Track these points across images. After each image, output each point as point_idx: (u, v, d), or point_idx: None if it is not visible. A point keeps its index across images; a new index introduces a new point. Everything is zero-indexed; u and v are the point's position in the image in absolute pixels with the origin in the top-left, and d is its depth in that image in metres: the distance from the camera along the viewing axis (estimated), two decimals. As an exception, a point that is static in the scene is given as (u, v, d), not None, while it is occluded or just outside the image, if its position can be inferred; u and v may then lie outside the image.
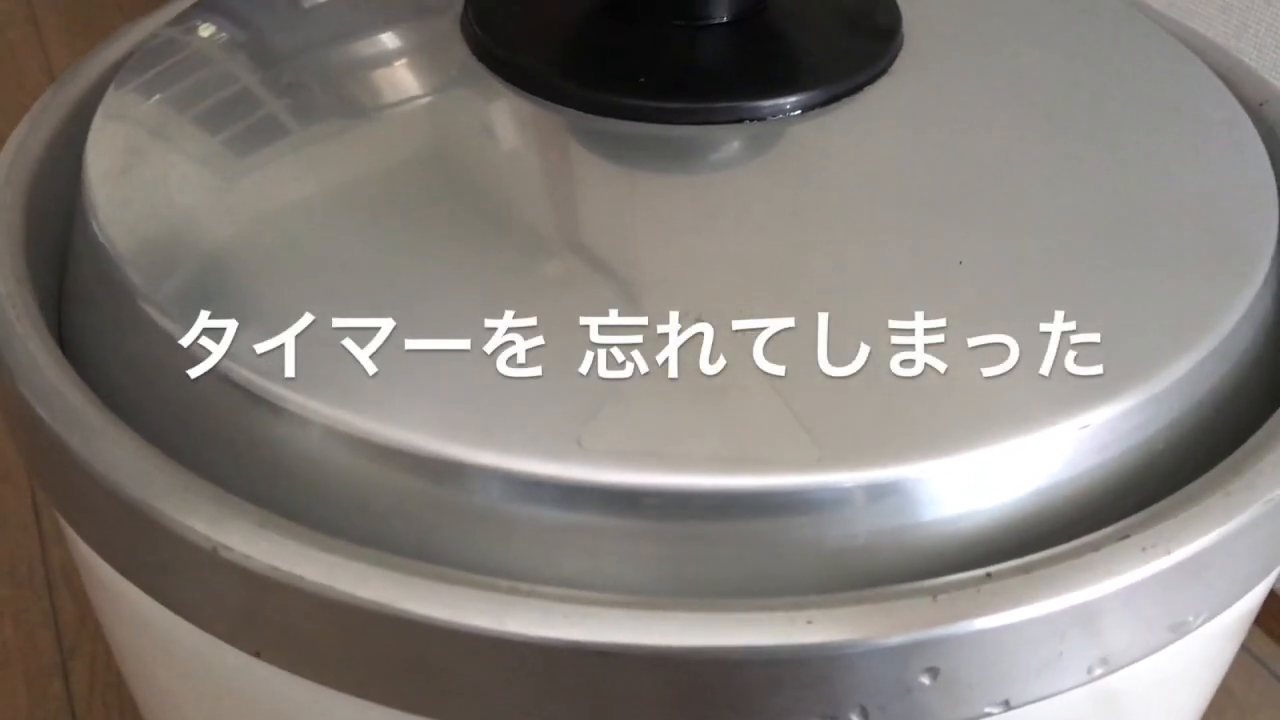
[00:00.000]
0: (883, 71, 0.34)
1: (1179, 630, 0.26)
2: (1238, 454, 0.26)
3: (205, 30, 0.38)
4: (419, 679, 0.24)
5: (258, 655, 0.25)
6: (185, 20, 0.38)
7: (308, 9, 0.39)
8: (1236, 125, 0.35)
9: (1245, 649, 0.62)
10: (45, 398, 0.27)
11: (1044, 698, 0.25)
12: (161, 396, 0.28)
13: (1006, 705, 0.24)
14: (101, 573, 0.28)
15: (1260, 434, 0.27)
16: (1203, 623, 0.26)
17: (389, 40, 0.37)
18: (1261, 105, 0.37)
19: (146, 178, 0.32)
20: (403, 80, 0.36)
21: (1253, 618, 0.33)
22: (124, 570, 0.27)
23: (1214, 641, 0.29)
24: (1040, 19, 0.39)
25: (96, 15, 1.20)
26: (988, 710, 0.24)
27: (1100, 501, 0.26)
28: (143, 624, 0.28)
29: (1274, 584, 0.59)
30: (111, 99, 0.35)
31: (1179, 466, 0.27)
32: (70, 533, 0.29)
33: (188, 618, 0.26)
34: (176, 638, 0.27)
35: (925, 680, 0.23)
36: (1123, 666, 0.25)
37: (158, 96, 0.35)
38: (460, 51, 0.35)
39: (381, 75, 0.36)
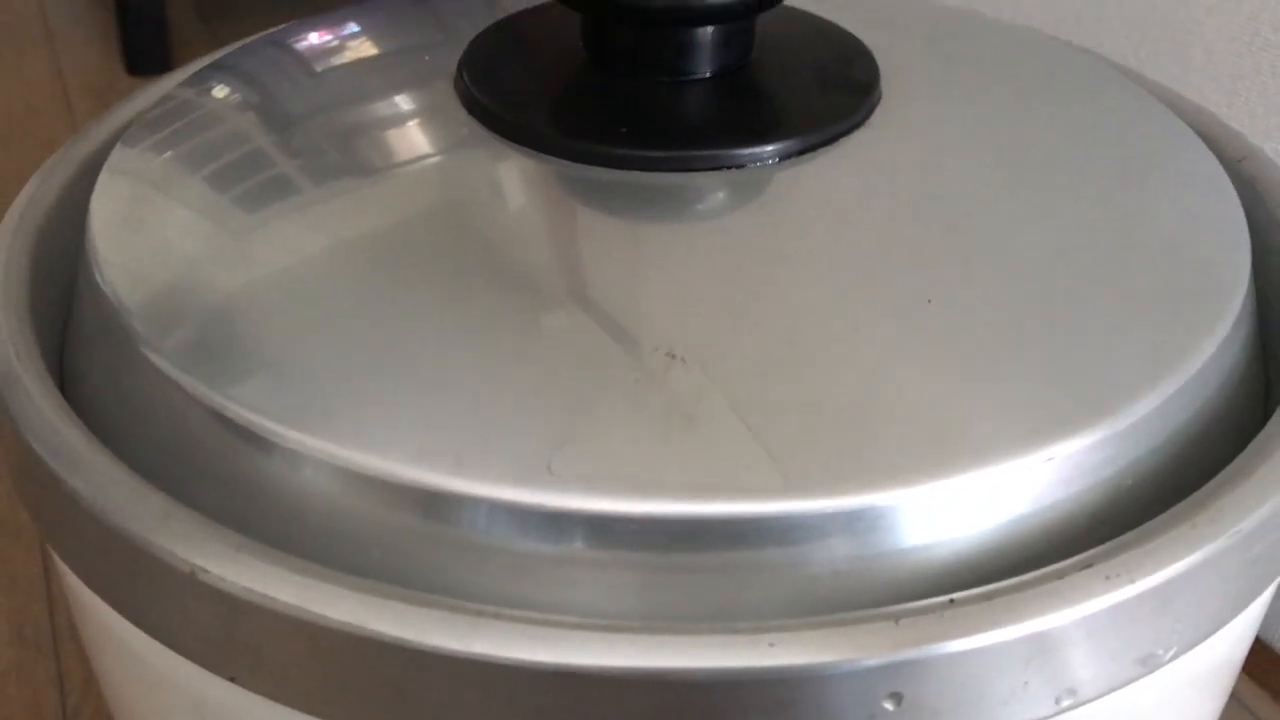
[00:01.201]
0: (860, 123, 0.35)
1: (1149, 664, 0.26)
2: (1205, 489, 0.27)
3: (211, 92, 0.39)
4: (388, 702, 0.24)
5: (232, 680, 0.25)
6: (193, 83, 0.40)
7: (310, 71, 0.41)
8: (1212, 177, 0.35)
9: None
10: (34, 426, 0.28)
11: (1012, 729, 0.25)
12: (155, 435, 0.29)
13: (974, 735, 0.24)
14: (89, 603, 0.29)
15: (1227, 470, 0.27)
16: (1173, 657, 0.26)
17: (386, 99, 0.38)
18: (1240, 161, 0.38)
19: (147, 228, 0.33)
20: (398, 136, 0.37)
21: (1237, 668, 0.33)
22: (108, 597, 0.27)
23: (1190, 684, 0.29)
24: (1019, 76, 0.40)
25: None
26: (955, 740, 0.24)
27: (1071, 535, 0.27)
28: (125, 652, 0.29)
29: (1269, 639, 0.58)
30: (119, 154, 0.37)
31: (1149, 503, 0.27)
32: (61, 565, 0.30)
33: (167, 643, 0.26)
34: (156, 664, 0.27)
35: (889, 706, 0.23)
36: (1093, 699, 0.25)
37: (163, 153, 0.37)
38: (454, 108, 0.37)
39: (379, 132, 0.37)
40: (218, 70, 0.41)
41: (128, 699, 0.33)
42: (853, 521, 0.25)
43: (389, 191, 0.34)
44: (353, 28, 0.43)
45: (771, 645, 0.23)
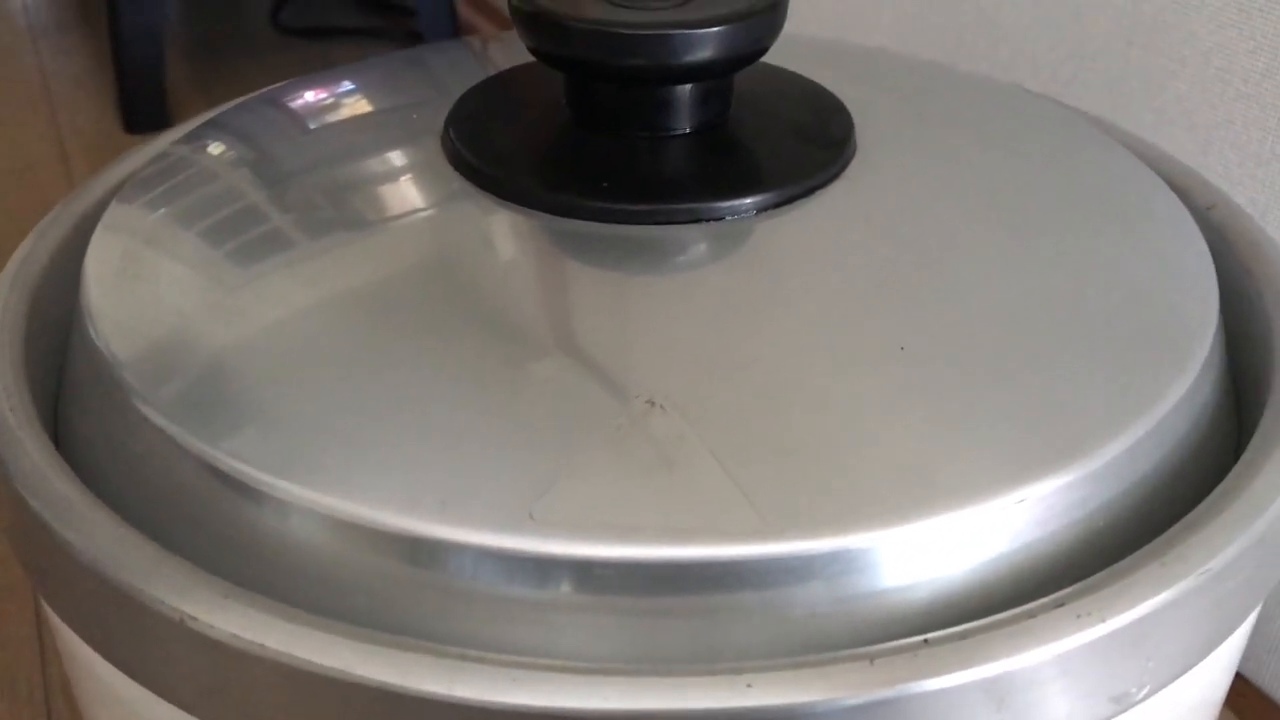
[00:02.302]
0: (835, 176, 0.36)
1: (1123, 702, 0.26)
2: (1175, 528, 0.27)
3: (205, 149, 0.40)
4: (374, 747, 0.24)
5: (221, 727, 0.26)
6: (188, 141, 0.41)
7: (303, 128, 0.42)
8: (1179, 224, 0.36)
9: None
10: (28, 479, 0.28)
11: (988, 768, 0.25)
12: (147, 486, 0.29)
13: (950, 775, 0.25)
14: (80, 653, 0.29)
15: (1197, 510, 0.28)
16: (1147, 696, 0.26)
17: (376, 156, 0.39)
18: (1209, 209, 0.39)
19: (141, 283, 0.34)
20: (386, 192, 0.38)
21: (1216, 706, 0.33)
22: (99, 647, 0.28)
23: (1168, 722, 0.30)
24: (992, 129, 0.41)
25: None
26: (931, 780, 0.25)
27: (1044, 575, 0.27)
28: (116, 701, 0.29)
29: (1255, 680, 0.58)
30: (114, 211, 0.37)
31: (1122, 543, 0.28)
32: (53, 616, 0.30)
33: (157, 691, 0.27)
34: (146, 713, 0.28)
35: (866, 745, 0.24)
36: (1068, 739, 0.26)
37: (157, 209, 0.37)
38: (441, 164, 0.37)
39: (367, 188, 0.38)
40: (212, 128, 0.42)
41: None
42: (829, 563, 0.26)
43: (377, 246, 0.35)
44: (345, 86, 0.45)
45: (749, 686, 0.23)
